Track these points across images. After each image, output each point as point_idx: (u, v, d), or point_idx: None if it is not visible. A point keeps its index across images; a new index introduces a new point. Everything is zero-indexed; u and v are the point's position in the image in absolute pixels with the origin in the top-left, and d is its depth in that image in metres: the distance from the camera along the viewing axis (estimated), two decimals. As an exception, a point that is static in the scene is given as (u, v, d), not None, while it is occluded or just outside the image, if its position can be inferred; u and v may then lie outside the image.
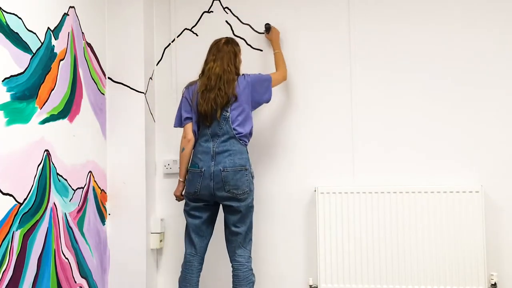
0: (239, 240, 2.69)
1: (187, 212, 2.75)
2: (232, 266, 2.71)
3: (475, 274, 2.83)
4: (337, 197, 2.96)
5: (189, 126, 2.75)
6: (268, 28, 3.10)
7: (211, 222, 2.78)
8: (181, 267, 2.77)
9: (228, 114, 2.66)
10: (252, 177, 2.72)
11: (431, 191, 2.89)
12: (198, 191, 2.65)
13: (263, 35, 3.16)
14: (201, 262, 2.77)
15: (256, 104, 2.79)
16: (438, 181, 2.97)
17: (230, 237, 2.71)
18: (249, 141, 2.75)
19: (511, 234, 2.93)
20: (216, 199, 2.67)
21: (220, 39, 2.82)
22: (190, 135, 2.74)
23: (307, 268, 3.08)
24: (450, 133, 3.00)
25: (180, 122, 2.79)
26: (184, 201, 2.80)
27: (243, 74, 2.79)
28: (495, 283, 2.88)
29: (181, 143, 2.77)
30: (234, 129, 2.66)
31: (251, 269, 2.69)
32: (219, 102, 2.65)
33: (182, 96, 2.80)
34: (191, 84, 2.80)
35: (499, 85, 2.97)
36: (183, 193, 2.81)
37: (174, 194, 2.86)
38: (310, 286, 3.04)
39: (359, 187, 2.97)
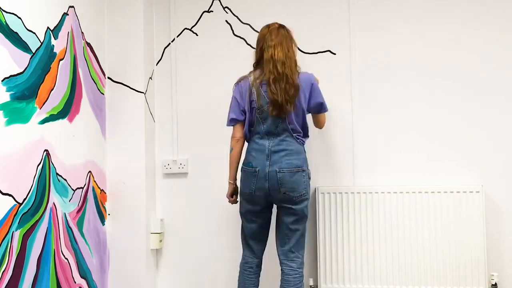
0: (292, 243, 2.51)
1: (243, 215, 2.62)
2: (282, 270, 2.55)
3: (476, 274, 2.82)
4: (337, 197, 2.96)
5: (238, 127, 2.56)
6: None
7: (267, 227, 2.65)
8: (239, 267, 2.69)
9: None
10: (309, 178, 2.53)
11: (432, 191, 2.89)
12: (253, 191, 2.47)
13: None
14: (259, 264, 2.67)
15: (310, 106, 2.54)
16: (439, 181, 2.96)
17: (284, 239, 2.53)
18: (306, 140, 2.59)
19: (511, 234, 2.92)
20: (271, 201, 2.51)
21: (270, 24, 2.56)
22: (238, 135, 2.56)
23: (307, 268, 3.07)
24: (450, 133, 2.99)
25: (228, 122, 2.60)
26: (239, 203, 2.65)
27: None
28: (495, 283, 2.88)
29: (230, 143, 2.60)
30: (292, 128, 2.47)
31: (302, 276, 2.53)
32: (291, 93, 2.40)
33: (232, 95, 2.59)
34: (241, 79, 2.57)
35: (499, 86, 2.96)
36: (234, 195, 2.67)
37: (226, 197, 2.71)
38: (311, 286, 3.04)
39: (359, 187, 2.97)
